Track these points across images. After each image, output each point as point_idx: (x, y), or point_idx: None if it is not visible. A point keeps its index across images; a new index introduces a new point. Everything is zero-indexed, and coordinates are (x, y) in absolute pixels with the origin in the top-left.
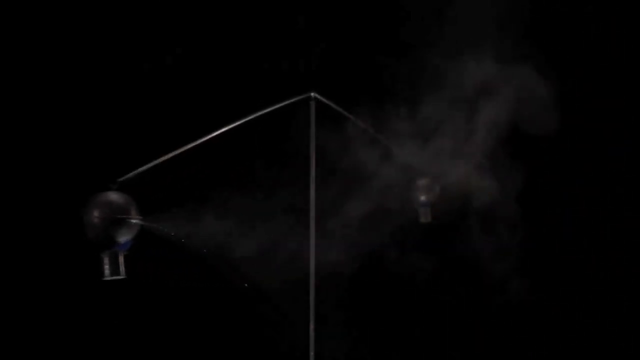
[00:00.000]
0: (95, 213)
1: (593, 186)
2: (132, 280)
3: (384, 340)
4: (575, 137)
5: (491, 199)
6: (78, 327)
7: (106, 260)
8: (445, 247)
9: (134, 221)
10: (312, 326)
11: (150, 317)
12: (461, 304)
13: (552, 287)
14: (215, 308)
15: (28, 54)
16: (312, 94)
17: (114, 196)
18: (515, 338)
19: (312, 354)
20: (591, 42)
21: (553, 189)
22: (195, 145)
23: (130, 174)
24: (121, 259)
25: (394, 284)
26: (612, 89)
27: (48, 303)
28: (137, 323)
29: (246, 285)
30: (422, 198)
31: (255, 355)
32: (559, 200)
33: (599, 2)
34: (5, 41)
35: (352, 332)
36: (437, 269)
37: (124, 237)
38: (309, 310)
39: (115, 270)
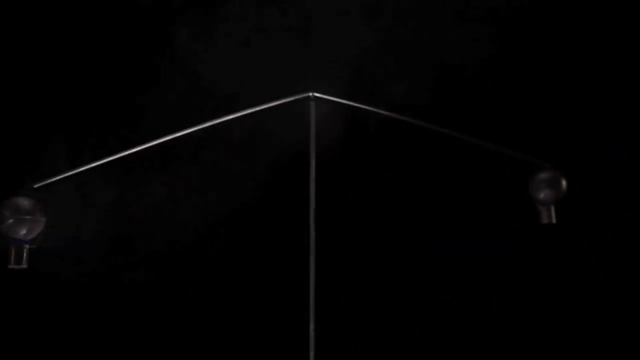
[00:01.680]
0: (4, 212)
1: (593, 186)
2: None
3: (384, 340)
4: (575, 137)
5: None
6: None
7: (14, 252)
8: (444, 247)
9: (29, 220)
10: (312, 326)
11: (152, 317)
12: (461, 304)
13: (552, 287)
14: (215, 308)
15: None
16: (312, 94)
17: (20, 199)
18: (515, 338)
19: (312, 354)
20: (591, 42)
21: None
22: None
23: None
24: (25, 252)
25: (393, 284)
26: (612, 89)
27: None
28: (138, 321)
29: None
30: (542, 195)
31: (255, 355)
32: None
33: (599, 1)
34: None
35: (352, 332)
36: (439, 269)
37: (22, 234)
38: (309, 310)
39: (18, 260)
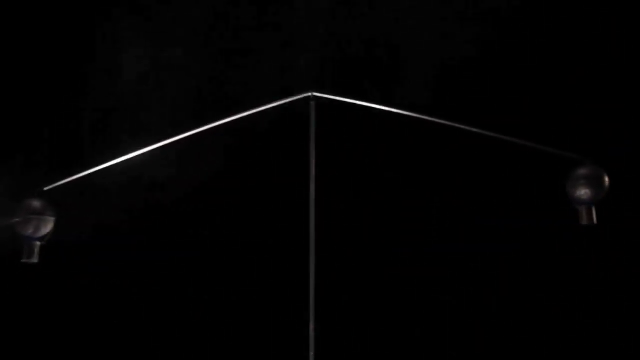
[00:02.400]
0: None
1: None
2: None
3: (384, 340)
4: (575, 137)
5: None
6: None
7: (25, 247)
8: (444, 247)
9: (36, 219)
10: (312, 326)
11: (152, 317)
12: (461, 304)
13: (551, 287)
14: (215, 308)
15: None
16: (312, 94)
17: (32, 201)
18: (516, 338)
19: (312, 354)
20: (591, 42)
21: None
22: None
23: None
24: (37, 248)
25: (393, 284)
26: (612, 89)
27: None
28: (138, 321)
29: None
30: (581, 193)
31: (255, 355)
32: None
33: (599, 1)
34: None
35: (352, 332)
36: (439, 269)
37: (30, 232)
38: (309, 310)
39: (30, 255)
